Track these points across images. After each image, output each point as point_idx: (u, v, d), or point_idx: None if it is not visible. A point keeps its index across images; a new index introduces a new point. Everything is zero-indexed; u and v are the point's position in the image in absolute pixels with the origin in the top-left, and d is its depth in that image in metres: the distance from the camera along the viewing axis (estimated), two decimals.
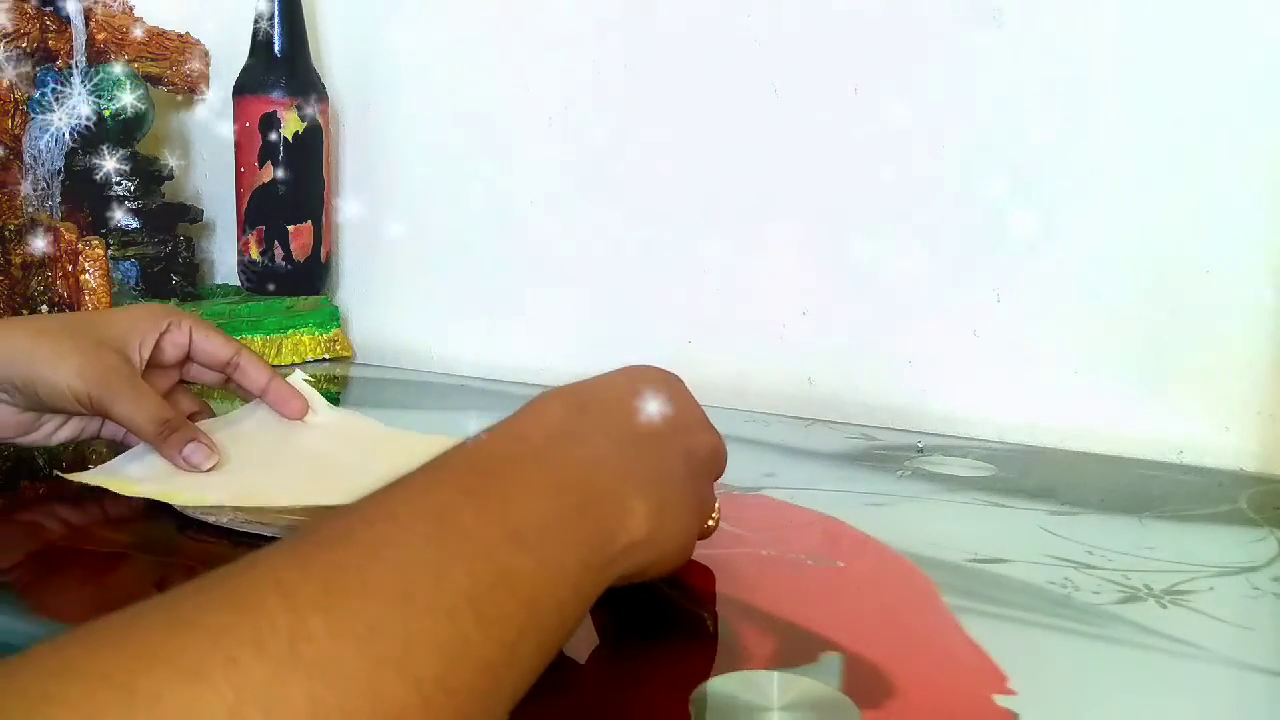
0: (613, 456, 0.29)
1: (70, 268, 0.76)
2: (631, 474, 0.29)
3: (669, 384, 0.36)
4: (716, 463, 0.37)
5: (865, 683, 0.31)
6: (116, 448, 0.51)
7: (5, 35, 0.78)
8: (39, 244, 0.73)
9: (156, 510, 0.44)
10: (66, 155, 0.81)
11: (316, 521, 0.23)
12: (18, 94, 0.82)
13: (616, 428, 0.31)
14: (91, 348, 0.46)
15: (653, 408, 0.33)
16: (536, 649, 0.24)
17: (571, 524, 0.26)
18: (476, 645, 0.21)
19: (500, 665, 0.22)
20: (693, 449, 0.35)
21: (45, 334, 0.46)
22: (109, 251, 0.81)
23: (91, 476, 0.47)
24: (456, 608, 0.21)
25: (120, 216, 0.82)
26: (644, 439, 0.32)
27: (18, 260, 0.78)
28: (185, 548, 0.43)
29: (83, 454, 0.55)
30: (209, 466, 0.46)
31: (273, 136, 0.85)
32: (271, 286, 0.87)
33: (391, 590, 0.20)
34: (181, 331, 0.51)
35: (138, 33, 0.86)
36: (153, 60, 0.89)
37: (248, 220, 0.87)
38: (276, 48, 0.85)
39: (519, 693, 0.23)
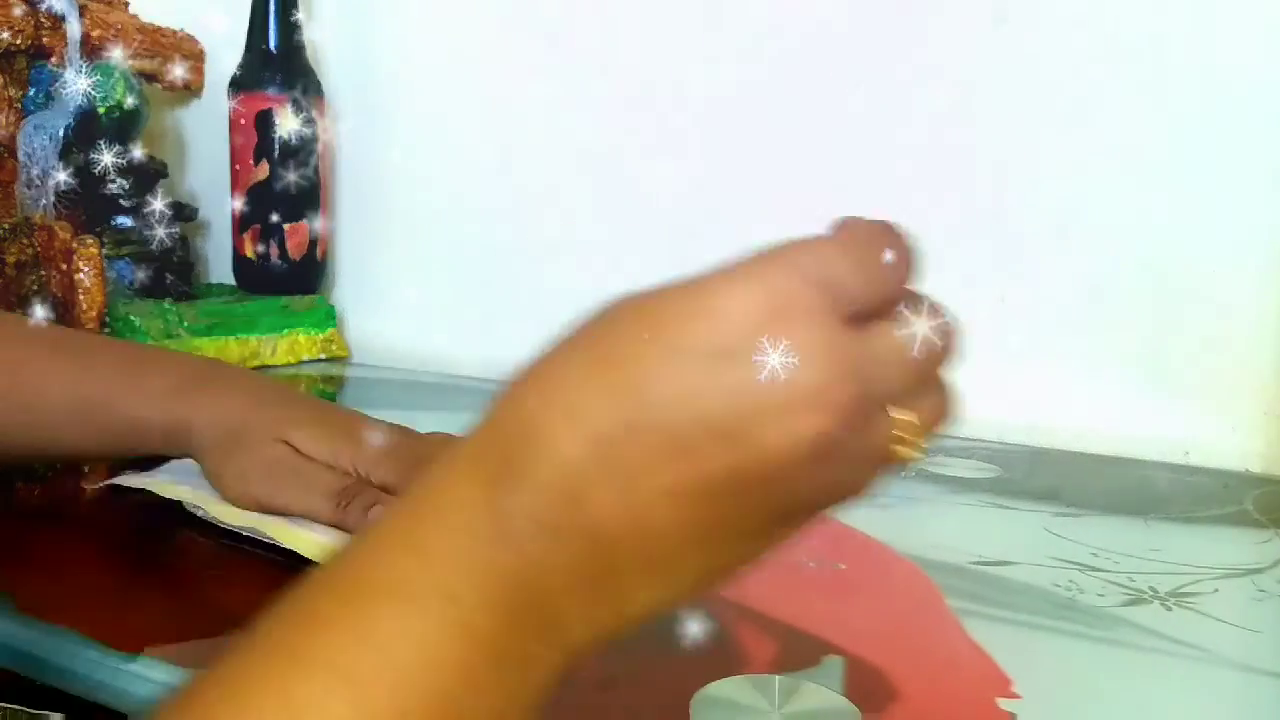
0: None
1: (65, 267, 0.75)
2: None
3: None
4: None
5: (867, 686, 0.31)
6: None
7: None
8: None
9: (157, 509, 0.44)
10: (60, 154, 0.80)
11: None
12: (11, 92, 0.82)
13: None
14: (253, 448, 0.41)
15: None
16: None
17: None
18: None
19: None
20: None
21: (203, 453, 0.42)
22: (103, 250, 0.80)
23: (127, 480, 0.46)
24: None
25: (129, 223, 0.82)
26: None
27: (11, 259, 0.77)
28: (187, 547, 0.43)
29: None
30: None
31: (269, 134, 0.84)
32: (267, 285, 0.87)
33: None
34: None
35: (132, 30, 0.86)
36: (147, 57, 0.89)
37: (243, 218, 0.87)
38: (272, 44, 0.85)
39: None
